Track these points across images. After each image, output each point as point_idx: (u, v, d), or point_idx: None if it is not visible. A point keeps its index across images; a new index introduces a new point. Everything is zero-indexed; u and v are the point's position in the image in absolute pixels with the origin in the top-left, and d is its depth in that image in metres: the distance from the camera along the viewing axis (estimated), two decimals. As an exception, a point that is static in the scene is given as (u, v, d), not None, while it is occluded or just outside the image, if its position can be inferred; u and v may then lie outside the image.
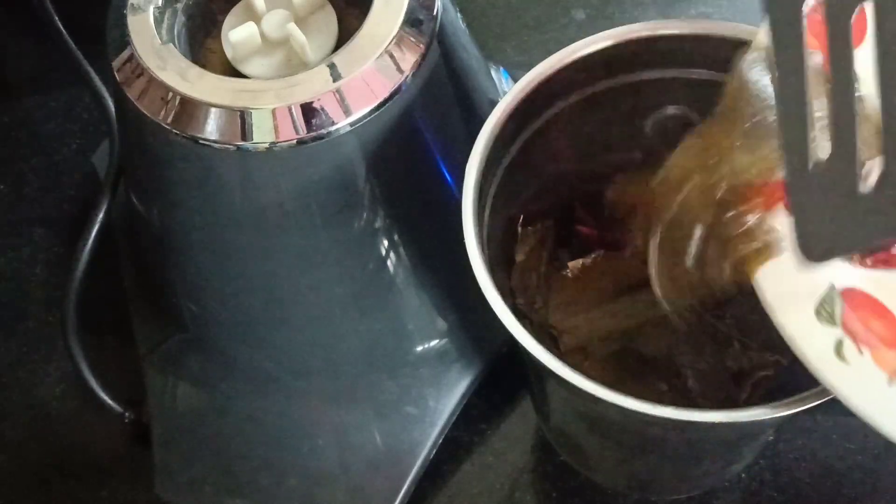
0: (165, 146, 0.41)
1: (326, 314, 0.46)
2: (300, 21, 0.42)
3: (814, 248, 0.32)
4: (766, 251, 0.35)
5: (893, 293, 0.34)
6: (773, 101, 0.35)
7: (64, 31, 0.51)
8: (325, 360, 0.49)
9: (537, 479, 0.51)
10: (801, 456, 0.50)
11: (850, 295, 0.34)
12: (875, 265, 0.35)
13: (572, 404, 0.44)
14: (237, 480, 0.49)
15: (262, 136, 0.39)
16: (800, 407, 0.34)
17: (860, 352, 0.33)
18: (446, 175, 0.45)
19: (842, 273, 0.34)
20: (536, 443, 0.52)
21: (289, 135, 0.39)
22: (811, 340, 0.33)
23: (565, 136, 0.46)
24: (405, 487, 0.48)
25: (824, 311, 0.33)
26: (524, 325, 0.36)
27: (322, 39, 0.42)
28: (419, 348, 0.49)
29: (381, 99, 0.40)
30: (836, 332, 0.33)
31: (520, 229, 0.49)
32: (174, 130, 0.40)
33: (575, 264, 0.50)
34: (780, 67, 0.30)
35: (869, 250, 0.35)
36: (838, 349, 0.33)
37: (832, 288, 0.34)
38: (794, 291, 0.34)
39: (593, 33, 0.42)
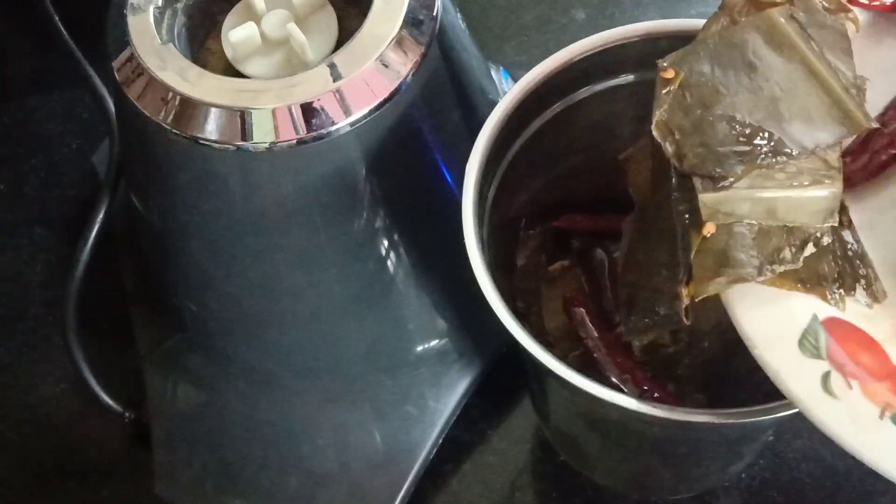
0: (165, 146, 0.41)
1: (326, 314, 0.46)
2: (300, 21, 0.42)
3: None
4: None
5: (876, 323, 0.33)
6: None
7: (64, 31, 0.51)
8: (325, 360, 0.49)
9: (537, 479, 0.51)
10: (801, 456, 0.50)
11: (834, 325, 0.33)
12: None
13: (572, 404, 0.44)
14: (237, 480, 0.49)
15: (262, 136, 0.39)
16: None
17: (849, 385, 0.31)
18: (446, 175, 0.45)
19: (821, 302, 0.33)
20: (536, 443, 0.52)
21: (289, 135, 0.39)
22: (796, 375, 0.31)
23: (565, 136, 0.45)
24: (405, 487, 0.48)
25: (808, 344, 0.32)
26: (524, 327, 0.37)
27: (322, 39, 0.42)
28: (419, 348, 0.49)
29: (381, 99, 0.40)
30: (823, 366, 0.31)
31: (521, 233, 0.49)
32: (174, 130, 0.40)
33: (555, 267, 0.50)
34: None
35: None
36: (825, 383, 0.31)
37: (815, 318, 0.32)
38: (774, 323, 0.32)
39: (593, 33, 0.42)
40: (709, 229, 0.34)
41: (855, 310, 0.34)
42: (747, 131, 0.34)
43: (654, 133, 0.36)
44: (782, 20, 0.35)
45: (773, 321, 0.32)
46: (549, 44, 0.65)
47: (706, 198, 0.34)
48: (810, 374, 0.31)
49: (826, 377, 0.31)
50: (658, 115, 0.36)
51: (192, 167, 0.41)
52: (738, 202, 0.34)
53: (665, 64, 0.36)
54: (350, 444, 0.49)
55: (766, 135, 0.34)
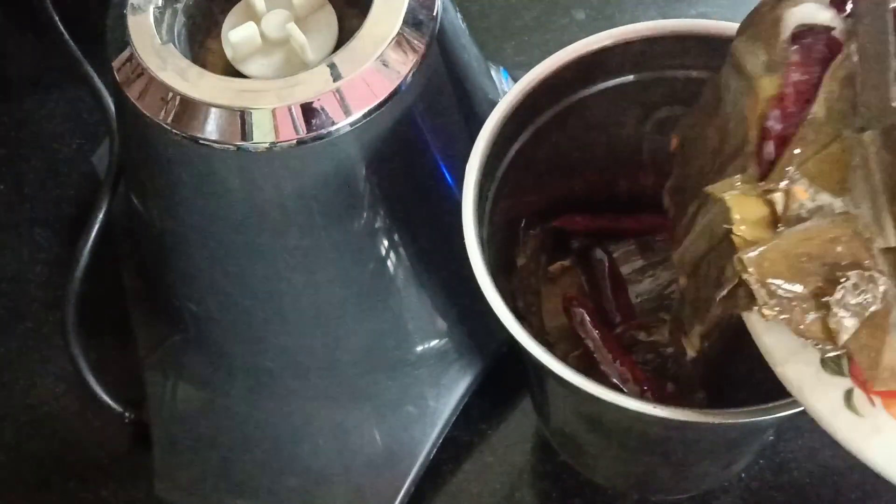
0: (165, 146, 0.41)
1: (326, 314, 0.46)
2: (300, 21, 0.42)
3: None
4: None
5: None
6: None
7: (64, 31, 0.51)
8: (325, 360, 0.49)
9: (537, 479, 0.51)
10: (801, 456, 0.50)
11: None
12: None
13: (572, 404, 0.44)
14: (237, 480, 0.49)
15: (262, 136, 0.39)
16: (800, 407, 0.34)
17: (872, 402, 0.31)
18: (446, 175, 0.45)
19: None
20: (536, 443, 0.52)
21: (289, 135, 0.39)
22: (819, 393, 0.31)
23: (565, 136, 0.46)
24: (405, 487, 0.48)
25: (830, 361, 0.32)
26: (524, 327, 0.37)
27: (322, 39, 0.42)
28: (419, 348, 0.49)
29: (381, 99, 0.40)
30: (846, 383, 0.31)
31: (521, 233, 0.49)
32: (174, 130, 0.40)
33: (555, 267, 0.50)
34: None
35: None
36: (848, 400, 0.31)
37: None
38: (795, 341, 0.32)
39: (593, 33, 0.42)
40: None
41: None
42: (711, 161, 0.35)
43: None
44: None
45: (794, 338, 0.32)
46: (549, 44, 0.65)
47: (674, 256, 0.35)
48: (833, 392, 0.31)
49: (849, 394, 0.31)
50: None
51: (192, 167, 0.41)
52: (696, 242, 0.34)
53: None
54: (350, 444, 0.49)
55: (719, 160, 0.34)
